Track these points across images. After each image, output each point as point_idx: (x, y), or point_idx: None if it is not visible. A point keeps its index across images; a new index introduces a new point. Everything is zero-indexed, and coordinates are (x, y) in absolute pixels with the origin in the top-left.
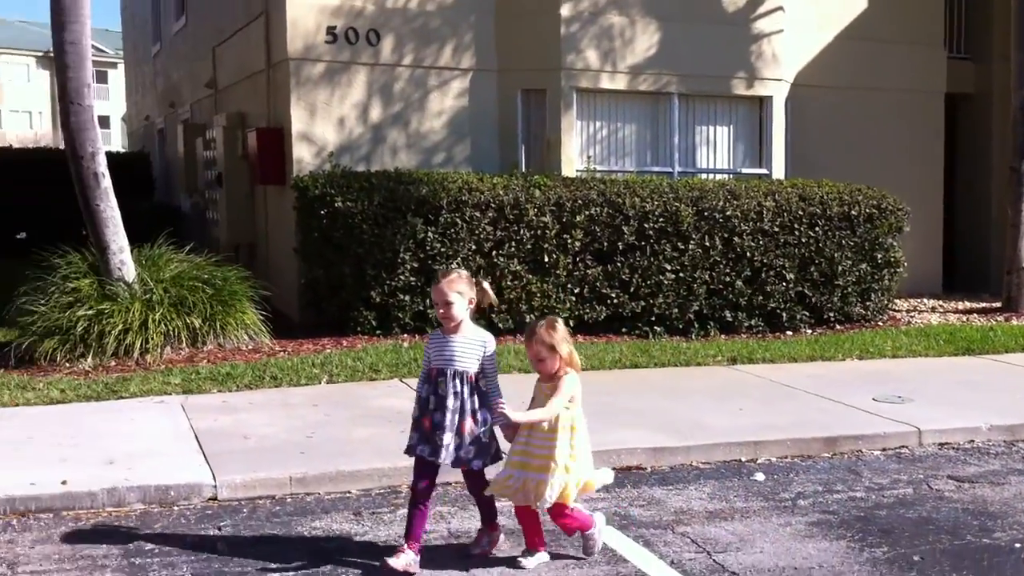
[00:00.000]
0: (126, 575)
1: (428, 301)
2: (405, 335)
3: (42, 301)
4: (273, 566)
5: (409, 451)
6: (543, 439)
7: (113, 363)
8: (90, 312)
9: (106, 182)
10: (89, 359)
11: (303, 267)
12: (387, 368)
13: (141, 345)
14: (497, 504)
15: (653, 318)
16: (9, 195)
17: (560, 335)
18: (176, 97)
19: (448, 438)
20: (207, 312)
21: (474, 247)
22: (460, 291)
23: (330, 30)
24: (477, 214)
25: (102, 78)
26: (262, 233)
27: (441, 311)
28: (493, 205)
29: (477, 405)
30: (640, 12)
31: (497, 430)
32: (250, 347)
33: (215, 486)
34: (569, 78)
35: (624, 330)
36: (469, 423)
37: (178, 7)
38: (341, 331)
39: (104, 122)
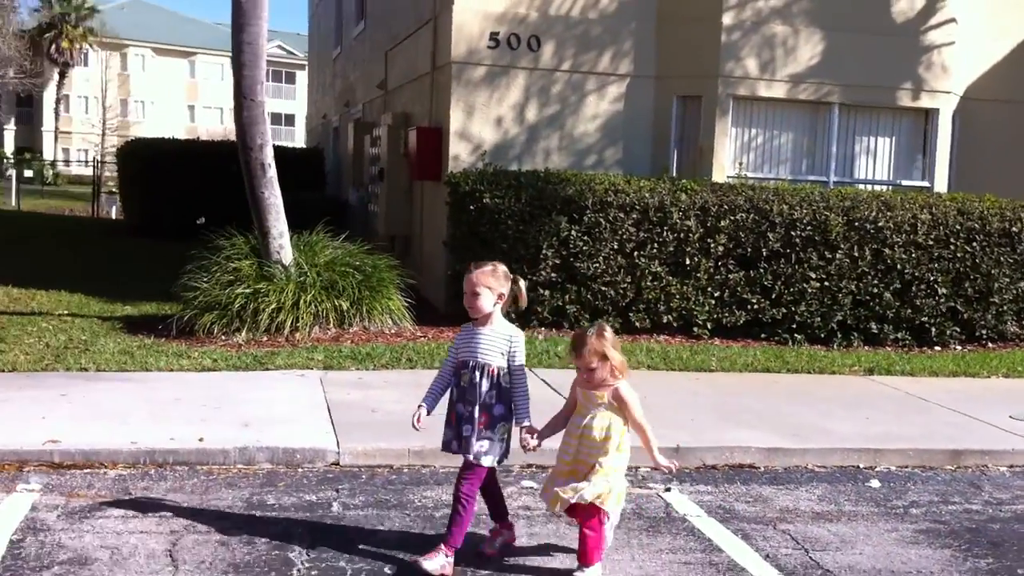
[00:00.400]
0: (245, 524)
1: (568, 297)
2: (542, 328)
3: (205, 279)
4: (381, 527)
5: (444, 447)
6: (593, 448)
7: (265, 338)
8: (247, 290)
9: (271, 172)
10: (243, 334)
11: (451, 259)
12: None
13: (292, 323)
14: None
15: (794, 325)
16: (196, 184)
17: (610, 341)
18: (351, 97)
19: (467, 430)
20: (355, 296)
21: (616, 247)
22: (490, 285)
23: (493, 36)
24: (621, 215)
25: (291, 79)
26: (417, 226)
27: (468, 301)
28: (637, 207)
29: (495, 400)
30: (805, 22)
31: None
32: (393, 331)
33: (338, 452)
34: (727, 85)
35: (763, 336)
36: (483, 417)
37: (358, 13)
38: None
39: (290, 120)
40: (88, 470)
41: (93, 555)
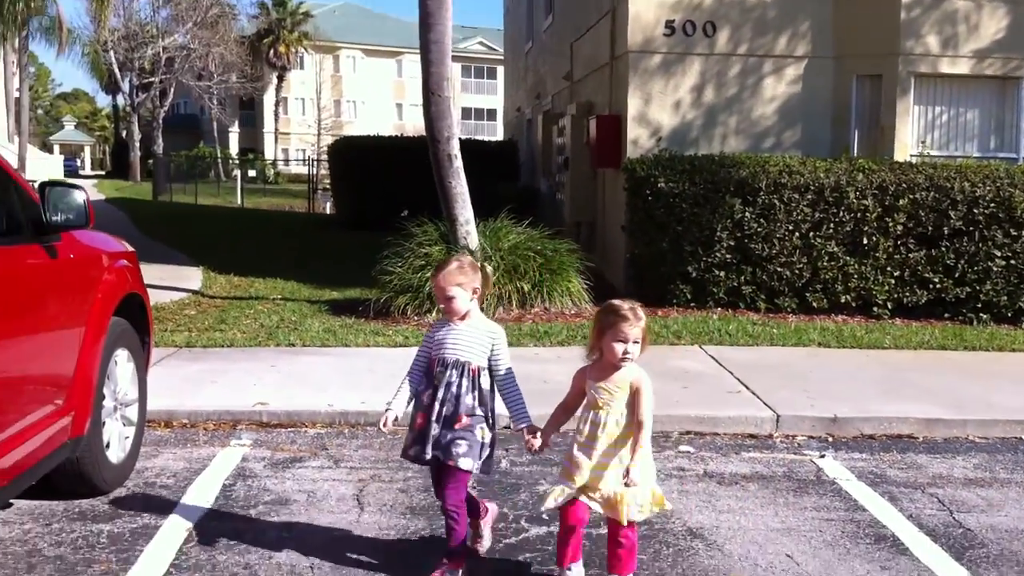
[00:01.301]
0: (423, 476)
1: (743, 278)
2: (718, 309)
3: (400, 264)
4: (543, 481)
5: (403, 454)
6: (628, 444)
7: None
8: None
9: (457, 163)
10: (433, 314)
11: (629, 243)
12: (690, 335)
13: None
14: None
15: (979, 305)
16: (398, 177)
17: (646, 326)
18: (541, 89)
19: (434, 429)
20: (536, 279)
21: (791, 228)
22: (461, 283)
23: (668, 24)
24: (796, 196)
25: (491, 74)
26: (600, 212)
27: (443, 307)
28: (812, 187)
29: (477, 401)
30: None
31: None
32: (572, 312)
33: (509, 416)
34: (907, 63)
35: (947, 315)
36: (465, 420)
37: (547, 6)
38: (659, 303)
39: (492, 115)
40: (291, 429)
41: (292, 497)
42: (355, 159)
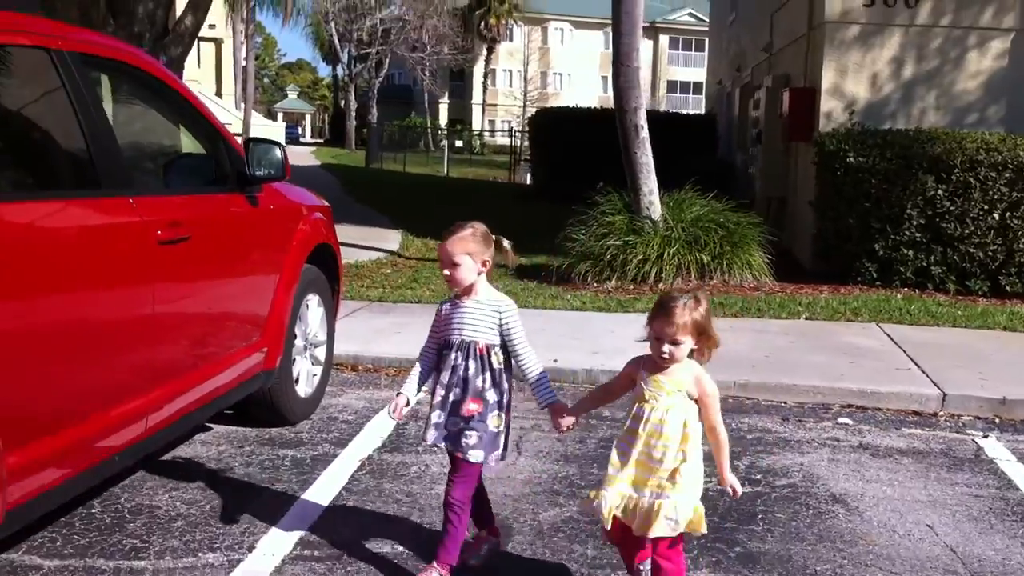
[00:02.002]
0: (582, 428)
1: (933, 258)
2: (904, 288)
3: (583, 232)
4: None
5: (430, 440)
6: (671, 448)
7: (631, 286)
8: (618, 243)
9: (643, 133)
10: (612, 281)
11: (816, 219)
12: (868, 313)
13: (656, 274)
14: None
15: None
16: (593, 148)
17: (709, 314)
18: (741, 61)
19: (437, 416)
20: (716, 251)
21: (986, 207)
22: (470, 251)
23: None
24: (993, 174)
25: (700, 47)
26: (791, 186)
27: (446, 273)
28: (1011, 166)
29: (489, 384)
30: None
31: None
32: (752, 285)
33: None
34: None
35: None
36: (473, 405)
37: None
38: (844, 280)
39: (698, 88)
40: None
41: None
42: (551, 130)
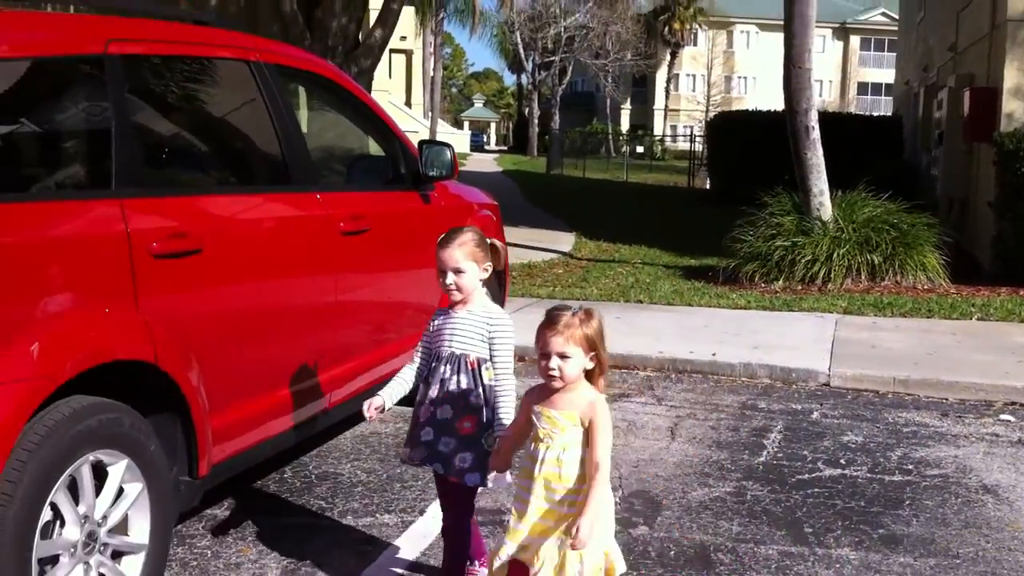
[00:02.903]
0: (734, 418)
1: None
2: None
3: (750, 233)
4: (849, 433)
5: (411, 461)
6: (568, 494)
7: (799, 287)
8: (786, 243)
9: (814, 135)
10: (780, 282)
11: (995, 220)
12: None
13: (824, 275)
14: None
15: None
16: (771, 151)
17: (596, 330)
18: (928, 61)
19: (426, 434)
20: (888, 252)
21: None
22: (476, 258)
23: None
24: None
25: (893, 47)
26: (972, 188)
27: (448, 282)
28: None
29: (482, 401)
30: None
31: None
32: (926, 287)
33: (828, 374)
34: None
35: None
36: (468, 423)
37: None
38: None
39: (890, 90)
40: (624, 370)
41: (615, 424)
42: (729, 134)
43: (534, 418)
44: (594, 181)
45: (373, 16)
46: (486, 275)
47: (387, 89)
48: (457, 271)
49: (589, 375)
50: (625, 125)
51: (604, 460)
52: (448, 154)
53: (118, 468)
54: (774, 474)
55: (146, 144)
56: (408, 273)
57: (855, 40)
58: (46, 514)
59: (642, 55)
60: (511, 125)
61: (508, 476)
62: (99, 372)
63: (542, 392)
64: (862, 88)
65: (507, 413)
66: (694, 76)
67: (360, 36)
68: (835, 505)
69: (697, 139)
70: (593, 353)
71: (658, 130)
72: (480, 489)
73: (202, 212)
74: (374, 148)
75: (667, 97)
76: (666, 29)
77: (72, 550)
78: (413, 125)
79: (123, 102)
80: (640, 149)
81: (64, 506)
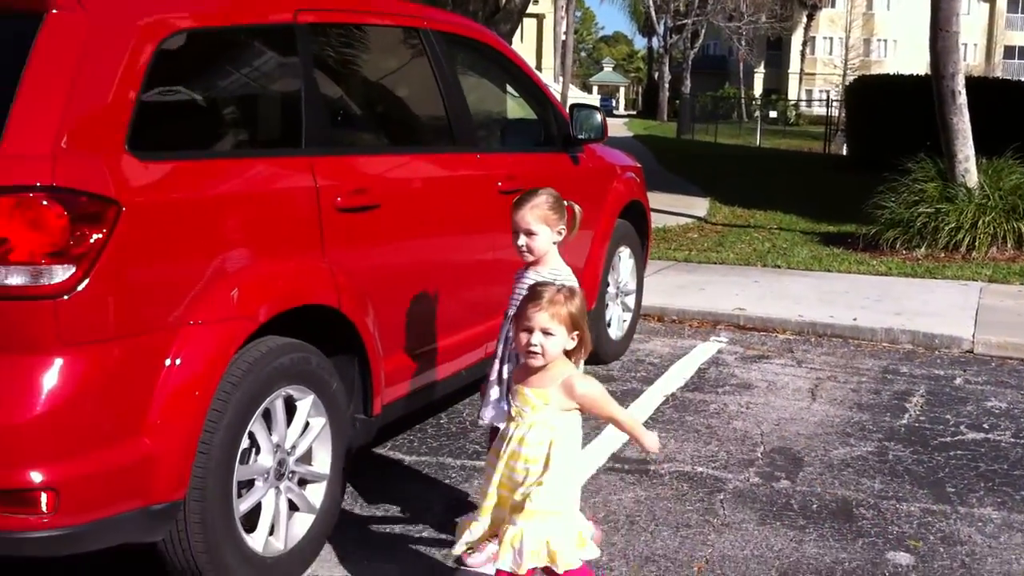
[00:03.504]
0: (875, 381)
1: None
2: None
3: (892, 199)
4: (992, 399)
5: (484, 418)
6: (532, 471)
7: (942, 254)
8: (929, 210)
9: (961, 99)
10: (922, 249)
11: None
12: None
13: (968, 242)
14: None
15: None
16: (912, 116)
17: (578, 307)
18: None
19: (495, 393)
20: None
21: None
22: (548, 221)
23: None
24: None
25: None
26: None
27: (520, 243)
28: None
29: None
30: None
31: None
32: None
33: (973, 341)
34: None
35: None
36: None
37: None
38: None
39: None
40: (763, 332)
41: (755, 384)
42: (869, 99)
43: (510, 397)
44: (726, 146)
45: None
46: (559, 238)
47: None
48: (529, 233)
49: (569, 355)
50: (758, 89)
51: (614, 410)
52: (598, 118)
53: (305, 403)
54: (916, 436)
55: (330, 107)
56: None
57: (1001, 2)
58: (244, 442)
59: (777, 17)
60: (640, 89)
61: None
62: (290, 315)
63: (522, 370)
64: (1009, 52)
65: None
66: (831, 39)
67: (499, 1)
68: (978, 467)
69: (834, 104)
70: (576, 332)
71: (792, 94)
72: None
73: (379, 170)
74: (526, 112)
75: (802, 61)
76: None
77: (265, 475)
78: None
79: (310, 67)
80: (773, 114)
81: (260, 435)
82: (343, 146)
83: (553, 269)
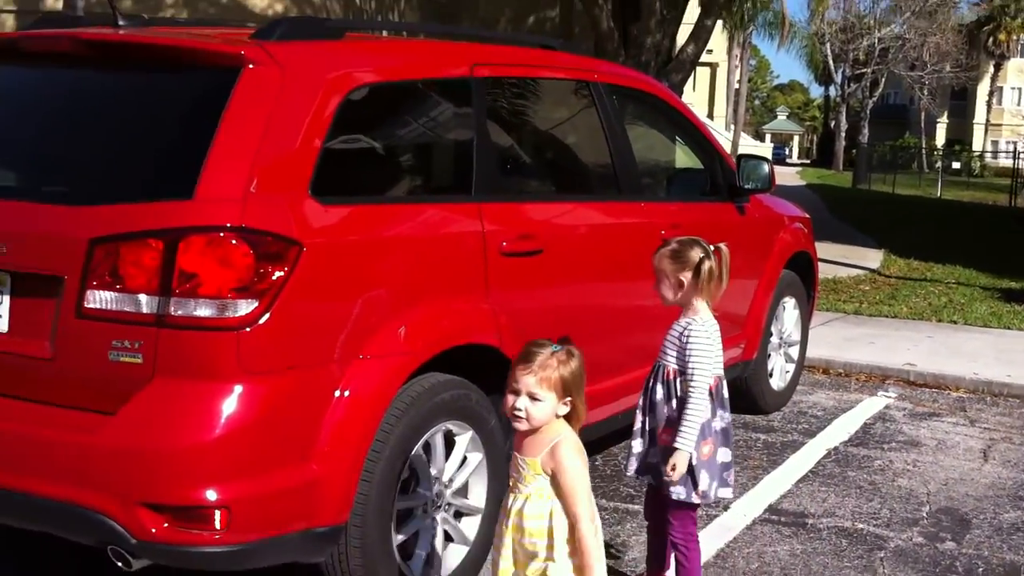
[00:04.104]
0: None
1: None
2: None
3: None
4: None
5: (630, 470)
6: (539, 545)
7: None
8: None
9: None
10: None
11: None
12: None
13: None
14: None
15: None
16: None
17: (578, 372)
18: None
19: (638, 445)
20: None
21: None
22: (665, 271)
23: None
24: None
25: None
26: None
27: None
28: None
29: (676, 414)
30: None
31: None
32: None
33: None
34: None
35: None
36: (665, 435)
37: None
38: None
39: None
40: (934, 389)
41: (923, 442)
42: None
43: (510, 465)
44: (904, 197)
45: (684, 31)
46: (682, 290)
47: (691, 101)
48: (656, 282)
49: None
50: (940, 139)
51: (582, 510)
52: (765, 168)
53: (464, 438)
54: None
55: (500, 155)
56: None
57: None
58: (405, 472)
59: (962, 67)
60: (815, 138)
61: (698, 498)
62: (453, 353)
63: (519, 436)
64: None
65: (684, 435)
66: (1020, 89)
67: (672, 52)
68: None
69: (1021, 155)
70: (568, 399)
71: (977, 145)
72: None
73: (544, 217)
74: (693, 161)
75: (988, 111)
76: (990, 40)
77: (424, 506)
78: (718, 142)
79: (483, 118)
80: (956, 165)
81: (420, 467)
82: (510, 193)
83: (690, 317)
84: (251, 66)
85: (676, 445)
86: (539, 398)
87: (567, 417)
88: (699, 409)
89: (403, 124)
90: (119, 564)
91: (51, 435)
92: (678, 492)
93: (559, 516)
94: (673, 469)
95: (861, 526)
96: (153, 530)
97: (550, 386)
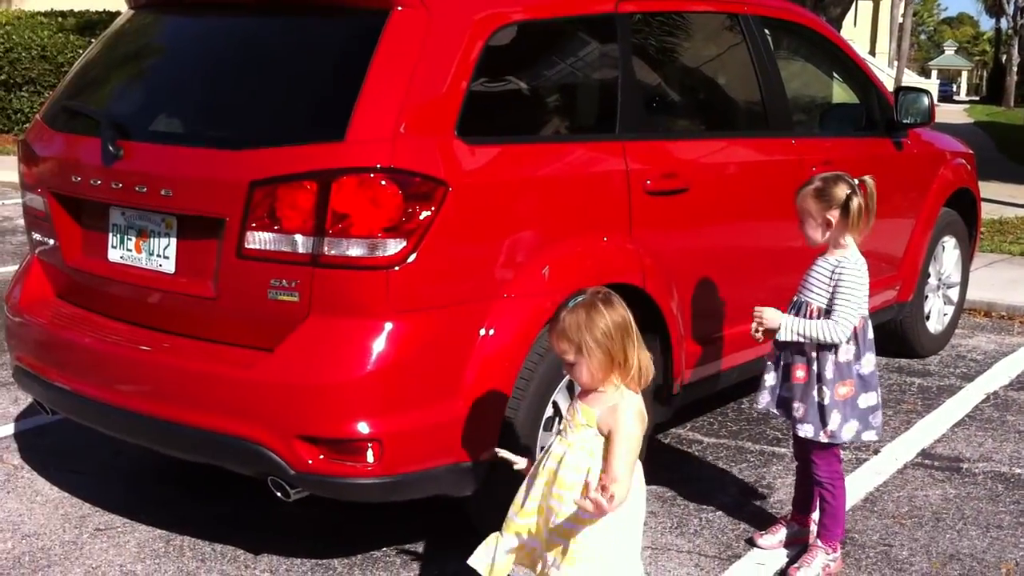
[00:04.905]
0: None
1: None
2: None
3: None
4: None
5: (765, 405)
6: (566, 499)
7: None
8: None
9: None
10: None
11: None
12: None
13: None
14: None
15: None
16: None
17: (602, 329)
18: None
19: (771, 379)
20: None
21: None
22: (810, 210)
23: None
24: None
25: None
26: None
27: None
28: None
29: (814, 353)
30: None
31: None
32: None
33: None
34: None
35: None
36: (800, 371)
37: None
38: None
39: None
40: None
41: None
42: None
43: (568, 408)
44: None
45: None
46: (829, 229)
47: (851, 37)
48: (800, 221)
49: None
50: None
51: (621, 477)
52: (925, 101)
53: None
54: None
55: (645, 93)
56: (876, 220)
57: None
58: (548, 410)
59: None
60: (985, 74)
61: (825, 436)
62: None
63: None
64: None
65: (796, 324)
66: None
67: None
68: None
69: None
70: (608, 358)
71: None
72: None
73: (690, 155)
74: (848, 96)
75: None
76: None
77: None
78: (876, 75)
79: (628, 55)
80: None
81: (563, 404)
82: (655, 131)
83: (840, 256)
84: (399, 8)
85: (782, 321)
86: (572, 361)
87: (624, 374)
88: (829, 335)
89: (547, 63)
90: (278, 494)
91: (215, 371)
92: (805, 430)
93: (594, 476)
94: (761, 324)
95: (1019, 471)
96: (310, 462)
97: (578, 350)
